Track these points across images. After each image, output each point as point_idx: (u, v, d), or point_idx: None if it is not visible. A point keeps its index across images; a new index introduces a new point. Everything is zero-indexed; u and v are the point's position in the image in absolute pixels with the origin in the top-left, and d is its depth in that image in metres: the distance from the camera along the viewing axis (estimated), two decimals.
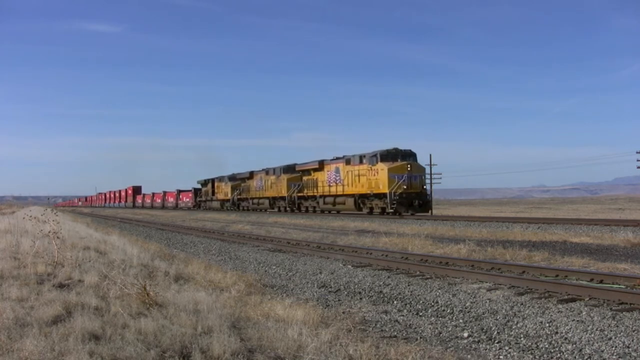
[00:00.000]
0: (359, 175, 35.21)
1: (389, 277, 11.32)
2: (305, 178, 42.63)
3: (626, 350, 6.19)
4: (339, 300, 9.56)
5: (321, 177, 39.96)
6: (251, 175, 51.76)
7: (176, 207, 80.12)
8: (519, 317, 7.76)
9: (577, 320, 7.36)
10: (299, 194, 43.39)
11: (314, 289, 10.71)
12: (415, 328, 7.55)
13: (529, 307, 8.22)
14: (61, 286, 8.91)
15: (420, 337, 7.03)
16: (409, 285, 10.40)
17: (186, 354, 5.43)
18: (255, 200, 50.59)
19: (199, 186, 71.53)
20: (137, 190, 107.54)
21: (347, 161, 36.66)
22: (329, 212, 39.40)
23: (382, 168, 32.72)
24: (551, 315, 7.70)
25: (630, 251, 14.03)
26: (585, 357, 6.11)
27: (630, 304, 7.90)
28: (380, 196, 33.27)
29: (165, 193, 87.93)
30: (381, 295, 9.79)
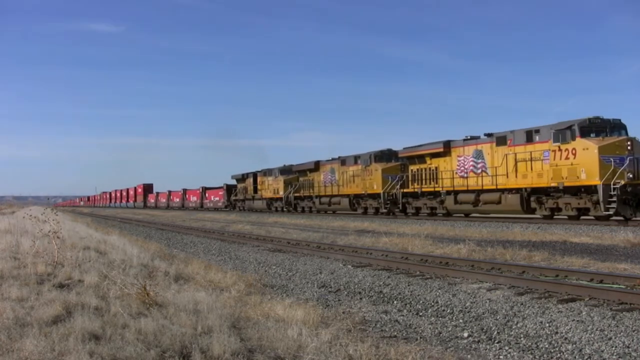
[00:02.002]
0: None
1: (389, 277, 11.32)
2: (413, 167, 31.06)
3: (626, 350, 6.19)
4: (339, 300, 9.56)
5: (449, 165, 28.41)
6: (316, 166, 40.99)
7: (201, 207, 68.67)
8: (519, 317, 7.76)
9: (577, 320, 7.36)
10: (403, 190, 31.75)
11: (314, 289, 10.71)
12: (415, 328, 7.55)
13: (529, 307, 8.22)
14: (61, 286, 8.92)
15: (420, 337, 7.03)
16: (409, 285, 10.40)
17: (186, 354, 5.43)
18: (325, 199, 39.51)
19: (233, 182, 59.60)
20: (148, 188, 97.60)
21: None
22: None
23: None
24: (551, 315, 7.70)
25: (630, 251, 14.03)
26: (585, 357, 6.11)
27: (630, 304, 7.90)
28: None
29: (185, 191, 77.01)
30: (381, 295, 9.79)
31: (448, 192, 28.15)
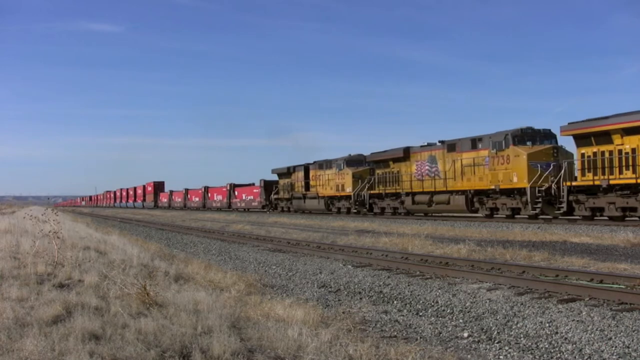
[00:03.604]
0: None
1: (389, 277, 11.32)
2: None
3: (626, 350, 6.19)
4: (339, 300, 9.56)
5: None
6: (406, 154, 31.70)
7: (228, 207, 59.46)
8: (519, 317, 7.76)
9: (577, 320, 7.36)
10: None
11: (314, 289, 10.71)
12: (415, 328, 7.55)
13: (529, 307, 8.22)
14: (61, 286, 8.92)
15: (420, 337, 7.03)
16: (409, 285, 10.40)
17: (186, 353, 5.43)
18: (422, 197, 30.34)
19: (273, 178, 49.98)
20: (159, 186, 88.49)
21: None
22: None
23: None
24: (551, 315, 7.70)
25: (630, 251, 14.03)
26: (585, 357, 6.11)
27: (630, 304, 7.90)
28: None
29: (207, 189, 67.07)
30: (381, 295, 9.79)
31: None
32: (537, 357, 6.23)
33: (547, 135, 24.88)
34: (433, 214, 30.27)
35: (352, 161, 37.98)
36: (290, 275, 12.43)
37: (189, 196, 73.59)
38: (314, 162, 42.41)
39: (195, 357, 5.30)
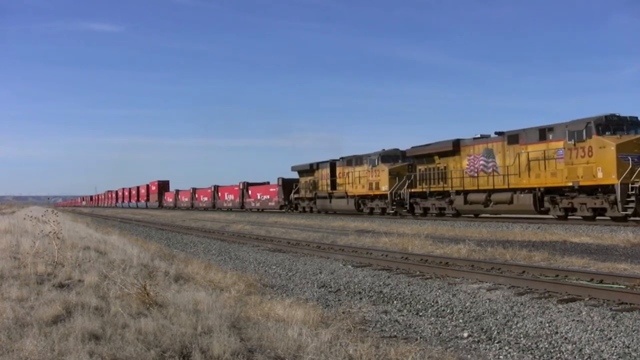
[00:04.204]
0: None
1: (389, 277, 11.32)
2: None
3: (626, 350, 6.19)
4: (339, 300, 9.56)
5: None
6: (455, 147, 28.05)
7: (241, 208, 56.06)
8: (519, 317, 7.76)
9: (577, 320, 7.36)
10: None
11: (314, 289, 10.71)
12: (415, 328, 7.55)
13: (528, 307, 8.22)
14: (61, 286, 8.91)
15: (420, 337, 7.03)
16: (409, 285, 10.40)
17: (186, 353, 5.43)
18: (477, 196, 26.55)
19: (293, 176, 46.17)
20: (164, 186, 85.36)
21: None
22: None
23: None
24: (551, 315, 7.70)
25: (630, 251, 14.03)
26: (585, 357, 6.11)
27: (630, 304, 7.90)
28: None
29: (217, 188, 63.60)
30: (381, 295, 9.79)
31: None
32: (537, 357, 6.23)
33: (634, 124, 21.33)
34: (491, 215, 26.91)
35: (388, 156, 34.08)
36: (290, 275, 12.43)
37: (197, 196, 69.72)
38: (342, 158, 38.52)
39: (195, 357, 5.30)
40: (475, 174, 26.85)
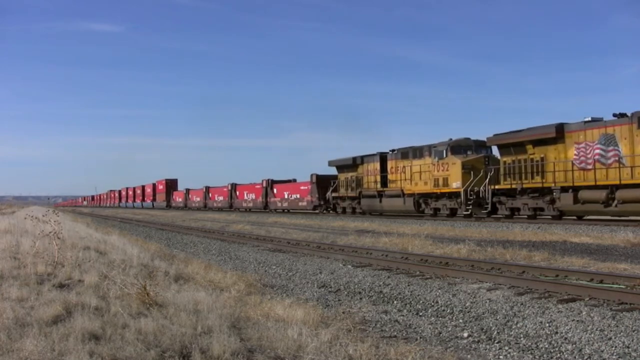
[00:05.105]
0: None
1: (389, 277, 11.32)
2: None
3: (626, 350, 6.19)
4: (338, 300, 9.56)
5: None
6: (559, 132, 22.93)
7: (264, 208, 50.99)
8: (519, 317, 7.76)
9: (577, 320, 7.36)
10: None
11: (314, 289, 10.71)
12: (415, 328, 7.55)
13: (529, 307, 8.22)
14: (61, 286, 8.91)
15: (420, 337, 7.03)
16: (409, 285, 10.40)
17: (186, 353, 5.43)
18: (591, 194, 21.53)
19: (327, 173, 41.36)
20: (172, 184, 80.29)
21: None
22: None
23: None
24: (551, 315, 7.70)
25: (630, 251, 14.03)
26: (585, 357, 6.11)
27: (630, 304, 7.90)
28: None
29: (234, 187, 58.12)
30: (381, 295, 9.79)
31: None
32: (537, 357, 6.23)
33: None
34: (612, 218, 21.97)
35: (459, 147, 28.50)
36: (290, 275, 12.43)
37: (210, 195, 64.24)
38: (394, 150, 32.86)
39: (195, 357, 5.30)
40: (589, 166, 21.66)
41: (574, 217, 23.60)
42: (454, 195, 28.12)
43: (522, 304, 8.40)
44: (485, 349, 6.56)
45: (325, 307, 8.75)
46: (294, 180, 49.32)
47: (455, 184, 27.79)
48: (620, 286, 8.99)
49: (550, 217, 23.79)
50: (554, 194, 23.08)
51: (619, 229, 18.59)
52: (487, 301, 8.75)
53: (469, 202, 26.80)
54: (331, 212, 39.44)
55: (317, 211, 41.66)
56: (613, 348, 6.29)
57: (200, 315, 6.93)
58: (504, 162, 25.68)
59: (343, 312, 8.27)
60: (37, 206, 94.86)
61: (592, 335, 6.76)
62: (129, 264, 11.45)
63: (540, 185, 23.66)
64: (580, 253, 13.54)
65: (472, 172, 27.03)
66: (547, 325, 7.28)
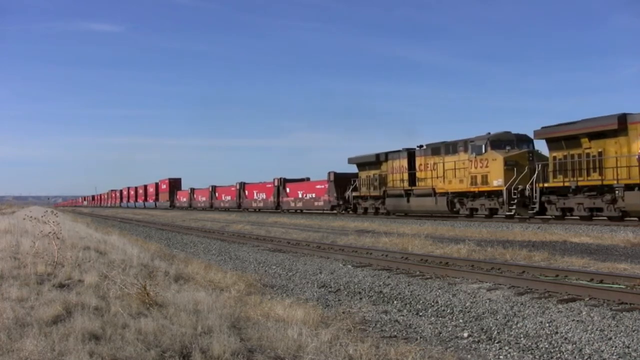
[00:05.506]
0: None
1: (389, 277, 11.32)
2: None
3: (626, 350, 6.19)
4: (339, 300, 9.56)
5: None
6: (622, 125, 20.78)
7: (276, 208, 49.27)
8: (519, 317, 7.76)
9: (577, 320, 7.36)
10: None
11: (314, 289, 10.71)
12: (415, 328, 7.55)
13: (529, 307, 8.22)
14: (61, 286, 8.91)
15: (420, 337, 7.03)
16: (409, 285, 10.40)
17: (186, 353, 5.42)
18: None
19: (346, 170, 39.62)
20: (175, 184, 78.51)
21: None
22: None
23: None
24: (551, 315, 7.70)
25: (630, 251, 14.03)
26: (585, 357, 6.11)
27: (630, 304, 7.90)
28: None
29: (243, 186, 56.36)
30: (381, 295, 9.79)
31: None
32: (537, 357, 6.23)
33: None
34: None
35: (500, 141, 26.14)
36: (290, 275, 12.43)
37: (216, 195, 62.41)
38: (424, 146, 30.70)
39: (195, 357, 5.30)
40: None
41: (636, 219, 21.29)
42: (494, 194, 25.89)
43: (522, 304, 8.40)
44: (486, 349, 6.56)
45: (325, 307, 8.75)
46: (308, 179, 47.22)
47: (497, 182, 25.56)
48: (620, 286, 8.99)
49: (607, 217, 21.82)
50: (617, 192, 20.79)
51: (619, 229, 18.59)
52: (487, 301, 8.75)
53: (512, 202, 24.62)
54: (351, 212, 37.36)
55: (335, 211, 39.56)
56: (613, 348, 6.29)
57: (200, 315, 6.93)
58: (554, 158, 23.46)
59: (343, 312, 8.27)
60: (37, 206, 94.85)
61: (592, 335, 6.76)
62: (129, 264, 11.45)
63: (599, 182, 21.36)
64: (580, 253, 13.54)
65: (515, 169, 24.82)
66: (547, 325, 7.28)
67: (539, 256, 12.88)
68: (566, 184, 22.57)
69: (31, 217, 16.71)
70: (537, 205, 23.61)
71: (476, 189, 26.69)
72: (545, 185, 23.54)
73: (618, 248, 14.70)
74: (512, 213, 24.76)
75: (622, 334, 6.72)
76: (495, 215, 26.35)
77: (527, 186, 24.04)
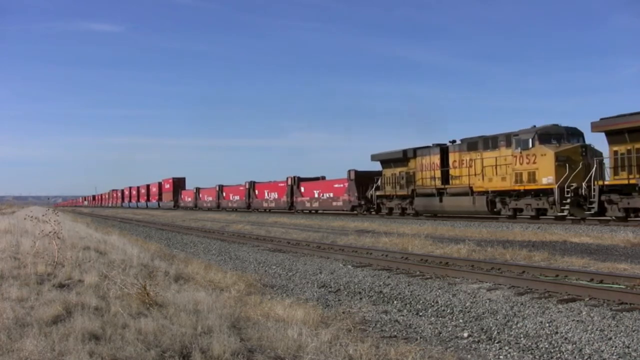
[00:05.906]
0: None
1: (389, 277, 11.32)
2: None
3: (626, 350, 6.19)
4: (339, 300, 9.56)
5: None
6: None
7: (289, 208, 46.55)
8: (519, 317, 7.76)
9: (577, 320, 7.36)
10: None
11: (314, 289, 10.71)
12: (415, 328, 7.55)
13: (529, 307, 8.22)
14: (61, 286, 8.91)
15: (420, 337, 7.03)
16: (409, 285, 10.40)
17: (186, 354, 5.42)
18: None
19: (367, 169, 37.21)
20: (179, 183, 76.27)
21: None
22: None
23: None
24: (551, 315, 7.70)
25: (630, 251, 14.03)
26: (585, 357, 6.11)
27: (630, 304, 7.90)
28: None
29: (253, 185, 53.76)
30: (381, 295, 9.79)
31: None
32: (537, 357, 6.23)
33: None
34: None
35: (548, 135, 23.60)
36: (290, 275, 12.43)
37: (224, 194, 59.79)
38: (458, 141, 28.02)
39: (195, 357, 5.30)
40: None
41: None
42: (542, 192, 23.45)
43: (522, 304, 8.40)
44: (486, 349, 6.56)
45: (325, 307, 8.75)
46: (324, 178, 44.82)
47: (546, 180, 22.98)
48: (620, 286, 8.99)
49: None
50: None
51: (619, 229, 18.60)
52: (487, 301, 8.75)
53: (565, 202, 22.21)
54: (373, 213, 34.80)
55: (355, 212, 37.10)
56: (613, 348, 6.29)
57: (200, 315, 6.93)
58: (615, 152, 20.90)
59: (343, 312, 8.27)
60: (37, 206, 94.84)
61: (592, 335, 6.76)
62: (129, 264, 11.45)
63: None
64: (580, 253, 13.55)
65: (567, 165, 22.32)
66: (547, 325, 7.28)
67: (539, 256, 12.88)
68: (632, 181, 19.95)
69: (31, 216, 16.72)
70: (595, 205, 21.22)
71: (521, 188, 24.18)
72: (606, 183, 21.24)
73: (618, 248, 14.71)
74: (564, 214, 22.50)
75: (622, 334, 6.72)
76: (543, 217, 24.12)
77: (584, 184, 21.70)
